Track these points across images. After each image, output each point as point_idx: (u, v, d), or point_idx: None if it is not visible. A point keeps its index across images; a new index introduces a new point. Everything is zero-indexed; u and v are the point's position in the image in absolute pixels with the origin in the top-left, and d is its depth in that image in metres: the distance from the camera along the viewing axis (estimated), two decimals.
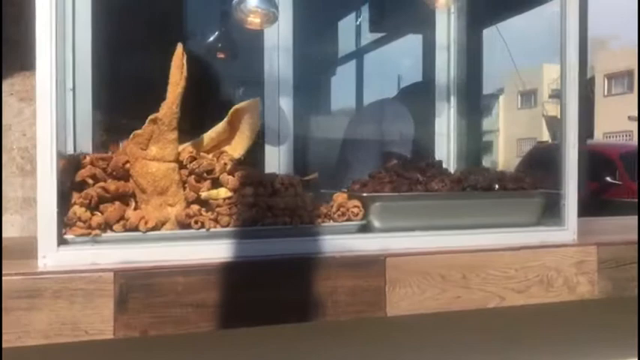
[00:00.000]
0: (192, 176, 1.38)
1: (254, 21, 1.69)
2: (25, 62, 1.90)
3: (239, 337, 1.43)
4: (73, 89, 1.87)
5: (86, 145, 1.87)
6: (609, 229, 1.94)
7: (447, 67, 2.20)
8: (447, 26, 2.19)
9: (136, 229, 1.34)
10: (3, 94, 1.90)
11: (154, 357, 1.41)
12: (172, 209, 1.38)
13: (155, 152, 1.36)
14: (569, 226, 1.61)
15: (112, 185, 1.34)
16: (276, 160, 2.02)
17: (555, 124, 9.73)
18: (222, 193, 1.39)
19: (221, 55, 2.85)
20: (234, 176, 1.40)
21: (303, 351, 1.51)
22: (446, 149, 2.18)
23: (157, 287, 1.27)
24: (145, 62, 1.91)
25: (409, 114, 2.71)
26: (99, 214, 1.33)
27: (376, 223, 1.52)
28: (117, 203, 1.34)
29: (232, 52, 2.83)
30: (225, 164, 1.39)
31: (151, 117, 1.35)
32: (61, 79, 1.30)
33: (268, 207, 1.42)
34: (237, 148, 1.48)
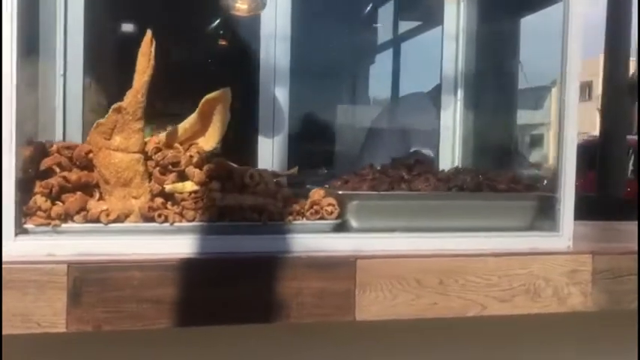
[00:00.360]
0: (158, 168, 1.34)
1: (241, 7, 1.63)
2: None
3: (200, 335, 1.39)
4: (64, 75, 1.86)
5: (77, 131, 1.86)
6: (609, 236, 1.81)
7: (454, 58, 2.10)
8: (455, 15, 2.09)
9: (97, 220, 1.31)
10: None
11: (114, 352, 1.38)
12: (136, 201, 1.34)
13: (119, 142, 1.32)
14: (564, 232, 1.50)
15: (73, 175, 1.31)
16: (270, 152, 1.97)
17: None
18: (188, 186, 1.35)
19: (223, 43, 2.81)
20: (201, 169, 1.36)
21: (267, 352, 1.46)
22: (451, 144, 2.08)
23: (111, 281, 1.24)
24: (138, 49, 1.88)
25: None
26: (60, 204, 1.31)
27: (353, 223, 1.45)
28: (78, 193, 1.31)
29: (233, 40, 2.78)
30: (192, 157, 1.34)
31: (114, 106, 1.32)
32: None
33: (237, 202, 1.37)
34: (209, 140, 1.43)
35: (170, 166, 1.34)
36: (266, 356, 1.46)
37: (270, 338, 1.43)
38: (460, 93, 2.07)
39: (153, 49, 1.34)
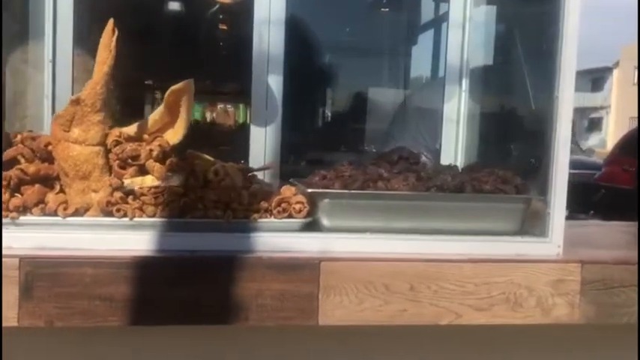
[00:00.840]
0: (117, 162, 1.30)
1: None
2: None
3: (156, 335, 1.36)
4: (53, 61, 1.84)
5: None
6: (603, 241, 1.68)
7: (460, 44, 1.98)
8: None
9: (55, 213, 1.28)
10: None
11: (68, 347, 1.36)
12: (96, 195, 1.31)
13: (77, 135, 1.28)
14: (554, 238, 1.40)
15: (31, 167, 1.28)
16: (262, 143, 1.91)
17: None
18: (149, 181, 1.31)
19: (223, 27, 2.74)
20: (163, 164, 1.31)
21: (224, 355, 1.42)
22: (454, 138, 1.98)
23: (63, 277, 1.21)
24: (131, 36, 1.85)
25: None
26: (19, 196, 1.29)
27: (325, 223, 1.39)
28: (37, 186, 1.29)
29: (231, 25, 2.71)
30: (152, 150, 1.30)
31: (72, 97, 1.28)
32: None
33: (199, 198, 1.32)
34: (176, 132, 1.38)
35: (129, 160, 1.30)
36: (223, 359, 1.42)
37: (228, 340, 1.38)
38: (465, 83, 1.95)
39: (114, 40, 1.29)
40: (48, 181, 1.32)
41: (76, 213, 1.30)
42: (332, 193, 1.37)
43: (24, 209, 1.28)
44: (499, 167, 1.55)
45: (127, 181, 1.30)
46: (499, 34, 2.16)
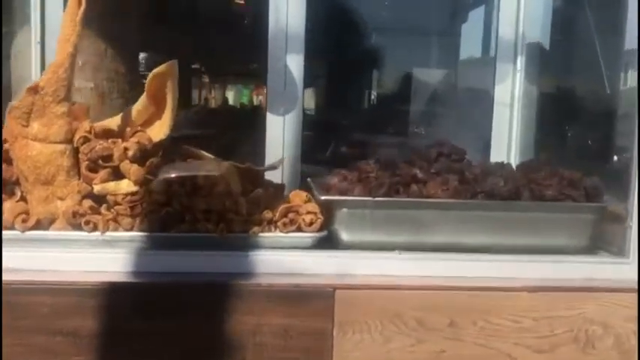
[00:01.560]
0: (86, 163, 1.06)
1: None
2: None
3: None
4: (42, 43, 1.62)
5: None
6: None
7: (515, 17, 1.66)
8: None
9: (12, 227, 1.05)
10: None
11: None
12: (62, 203, 1.07)
13: (37, 130, 1.05)
14: (633, 257, 1.09)
15: None
16: (280, 135, 1.64)
17: None
18: (124, 186, 1.06)
19: (240, 1, 2.48)
20: (142, 165, 1.06)
21: None
22: (507, 127, 1.66)
23: (19, 307, 0.99)
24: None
25: None
26: None
27: (342, 238, 1.12)
28: None
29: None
30: (127, 149, 1.05)
31: (30, 85, 1.04)
32: None
33: (185, 208, 1.07)
34: (163, 124, 1.13)
35: (100, 161, 1.05)
36: None
37: None
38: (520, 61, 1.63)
39: (81, 12, 1.04)
40: (6, 187, 1.09)
41: (38, 225, 1.07)
42: (351, 201, 1.10)
43: None
44: (563, 165, 1.25)
45: (97, 187, 1.06)
46: (562, 5, 1.83)
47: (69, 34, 1.04)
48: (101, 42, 2.12)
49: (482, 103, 1.86)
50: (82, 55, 2.05)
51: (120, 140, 1.08)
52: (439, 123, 2.94)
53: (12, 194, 1.09)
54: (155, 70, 1.09)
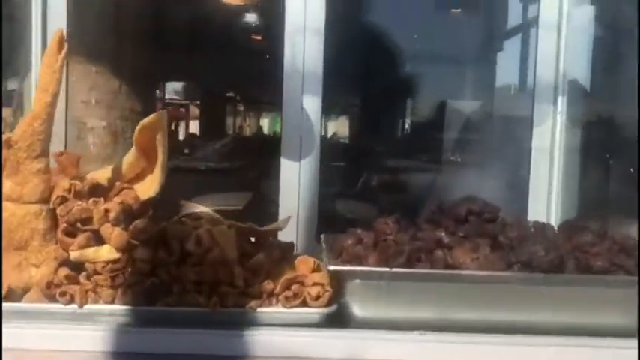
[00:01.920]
0: (63, 226, 0.94)
1: None
2: None
3: None
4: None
5: (58, 122, 1.55)
6: None
7: (555, 52, 1.49)
8: None
9: None
10: None
11: None
12: (37, 271, 0.95)
13: (9, 189, 0.93)
14: None
15: None
16: (295, 179, 1.51)
17: None
18: (104, 253, 0.93)
19: (257, 38, 2.37)
20: (125, 229, 0.93)
21: None
22: (546, 177, 1.47)
23: None
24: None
25: None
26: None
27: (355, 314, 0.97)
28: None
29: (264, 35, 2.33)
30: (107, 211, 0.92)
31: (3, 137, 0.93)
32: None
33: (174, 278, 0.94)
34: (153, 181, 1.00)
35: (79, 224, 0.93)
36: None
37: None
38: (561, 102, 1.46)
39: (62, 56, 0.93)
40: None
41: (11, 296, 0.94)
42: (365, 272, 0.95)
43: None
44: (612, 222, 1.08)
45: (74, 253, 0.93)
46: (603, 39, 1.66)
47: (47, 83, 0.93)
48: (115, 79, 2.05)
49: (519, 139, 1.70)
50: (96, 93, 1.99)
51: (102, 200, 0.95)
52: (474, 150, 2.79)
53: None
54: (143, 122, 0.96)
